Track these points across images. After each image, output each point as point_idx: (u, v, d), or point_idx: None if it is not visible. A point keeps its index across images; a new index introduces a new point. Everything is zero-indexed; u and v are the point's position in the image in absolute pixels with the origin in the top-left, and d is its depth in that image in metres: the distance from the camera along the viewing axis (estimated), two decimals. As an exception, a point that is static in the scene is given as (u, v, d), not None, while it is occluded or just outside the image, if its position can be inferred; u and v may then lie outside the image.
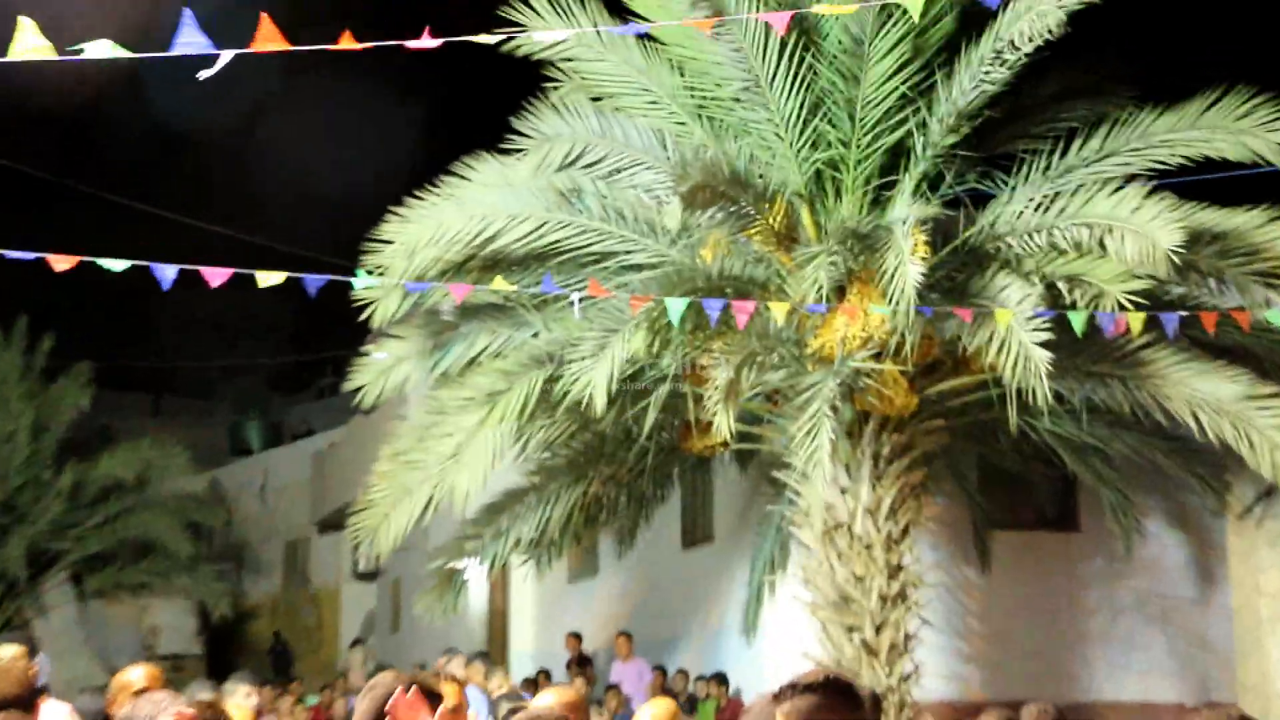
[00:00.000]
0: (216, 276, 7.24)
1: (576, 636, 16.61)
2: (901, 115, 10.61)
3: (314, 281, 7.59)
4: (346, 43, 5.40)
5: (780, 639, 13.13)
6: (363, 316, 11.17)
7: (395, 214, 11.05)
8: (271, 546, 29.92)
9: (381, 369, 12.06)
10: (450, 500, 11.18)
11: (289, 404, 37.00)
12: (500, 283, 9.16)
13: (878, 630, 10.82)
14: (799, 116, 10.72)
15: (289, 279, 7.42)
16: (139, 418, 34.84)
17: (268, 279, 7.35)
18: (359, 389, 12.08)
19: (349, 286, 9.19)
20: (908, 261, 9.30)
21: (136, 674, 5.71)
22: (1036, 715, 5.61)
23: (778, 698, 3.50)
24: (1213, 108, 10.46)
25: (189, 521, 24.70)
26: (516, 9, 10.44)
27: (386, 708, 3.75)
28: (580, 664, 15.97)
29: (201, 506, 26.55)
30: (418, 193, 11.14)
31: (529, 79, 11.44)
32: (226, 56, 5.15)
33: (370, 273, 10.68)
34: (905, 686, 10.89)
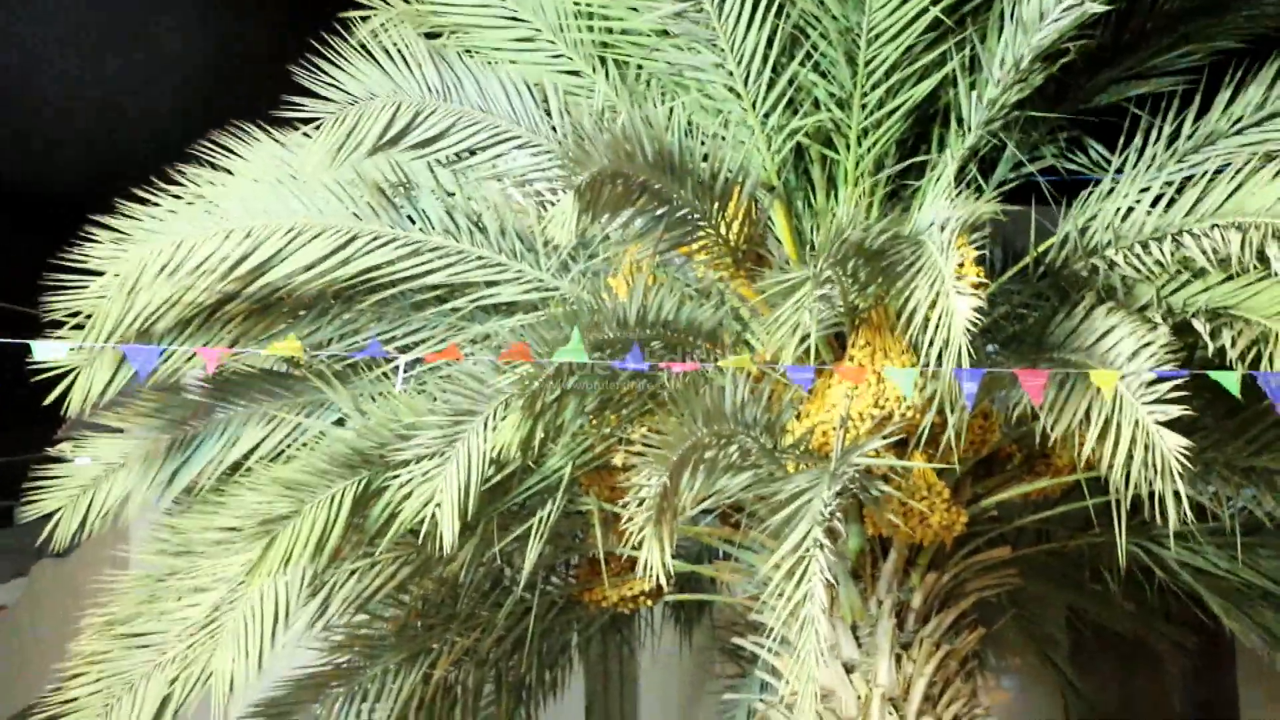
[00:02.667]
0: None
1: None
2: (935, 53, 10.70)
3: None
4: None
5: None
6: (50, 397, 11.04)
7: (105, 226, 10.98)
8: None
9: (83, 484, 11.92)
10: (204, 696, 10.99)
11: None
12: (284, 346, 9.04)
13: None
14: (767, 58, 10.77)
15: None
16: None
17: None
18: (46, 518, 11.93)
19: (23, 349, 9.09)
20: (951, 291, 9.20)
21: None
22: None
23: None
24: None
25: None
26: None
27: None
28: None
29: None
30: (142, 190, 11.07)
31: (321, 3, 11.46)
32: None
33: (59, 326, 10.57)
34: None
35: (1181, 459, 9.09)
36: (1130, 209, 10.61)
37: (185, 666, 10.99)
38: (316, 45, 11.30)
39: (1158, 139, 10.99)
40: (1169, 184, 10.56)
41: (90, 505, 11.91)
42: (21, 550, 20.59)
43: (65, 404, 11.20)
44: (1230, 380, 9.17)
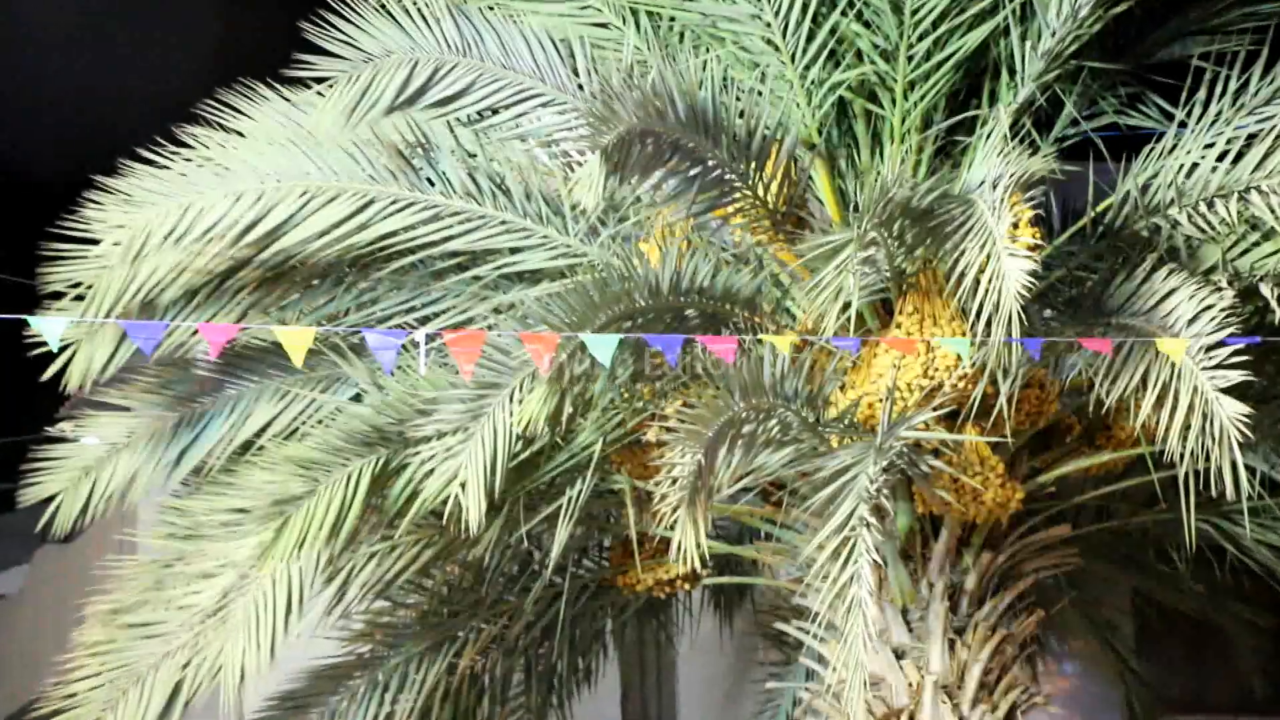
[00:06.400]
0: None
1: None
2: (986, 1, 10.73)
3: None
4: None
5: None
6: (48, 373, 11.15)
7: (106, 189, 11.05)
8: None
9: (86, 465, 12.03)
10: (214, 689, 11.11)
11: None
12: (295, 333, 9.11)
13: None
14: (807, 8, 10.83)
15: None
16: None
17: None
18: (47, 501, 12.04)
19: (19, 324, 9.17)
20: (1003, 254, 9.25)
21: None
22: None
23: None
24: None
25: None
26: None
27: None
28: None
29: None
30: (148, 150, 11.16)
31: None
32: None
33: (58, 297, 10.68)
34: None
35: (1243, 428, 9.12)
36: (1195, 165, 10.65)
37: (194, 656, 11.13)
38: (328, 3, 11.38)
39: (1223, 94, 11.00)
40: (1236, 139, 10.61)
41: (93, 488, 12.00)
42: (23, 536, 20.66)
43: (65, 380, 11.29)
44: (1300, 346, 9.26)
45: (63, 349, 11.23)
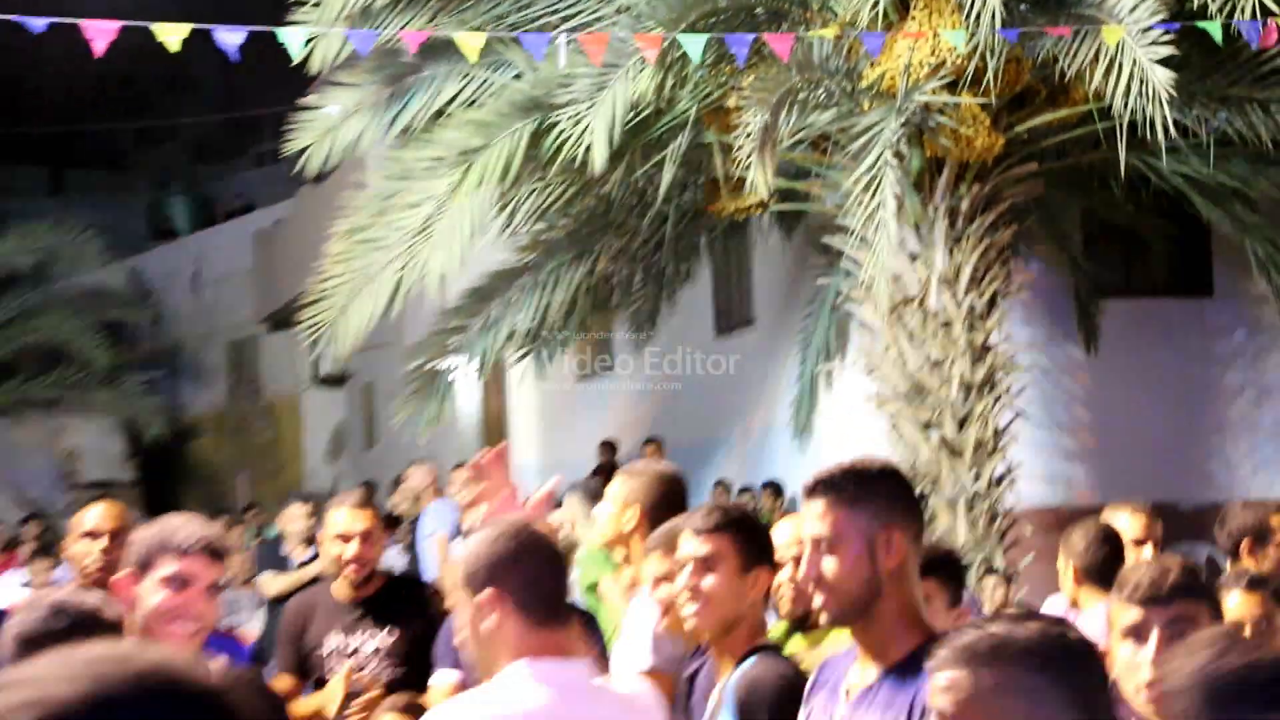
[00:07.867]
0: (101, 35, 7.23)
1: (610, 445, 16.97)
2: None
3: (228, 39, 7.61)
4: None
5: (839, 440, 13.38)
6: (295, 60, 11.11)
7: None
8: (211, 349, 30.33)
9: (328, 126, 12.09)
10: (423, 286, 11.35)
11: (221, 174, 37.02)
12: (469, 36, 9.00)
13: (961, 425, 11.01)
14: None
15: (196, 32, 7.42)
16: (34, 196, 34.89)
17: (169, 33, 7.35)
18: (302, 151, 12.11)
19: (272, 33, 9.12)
20: None
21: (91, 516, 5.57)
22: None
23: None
24: None
25: (105, 321, 24.94)
26: None
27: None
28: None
29: (120, 303, 26.81)
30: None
31: None
32: None
33: (301, 5, 10.61)
34: (997, 492, 11.11)
35: (1169, 90, 9.02)
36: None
37: (408, 263, 11.31)
38: None
39: None
40: None
41: (333, 143, 12.10)
42: (288, 178, 20.87)
43: (308, 66, 11.24)
44: (1213, 28, 8.99)
45: (306, 43, 11.16)
